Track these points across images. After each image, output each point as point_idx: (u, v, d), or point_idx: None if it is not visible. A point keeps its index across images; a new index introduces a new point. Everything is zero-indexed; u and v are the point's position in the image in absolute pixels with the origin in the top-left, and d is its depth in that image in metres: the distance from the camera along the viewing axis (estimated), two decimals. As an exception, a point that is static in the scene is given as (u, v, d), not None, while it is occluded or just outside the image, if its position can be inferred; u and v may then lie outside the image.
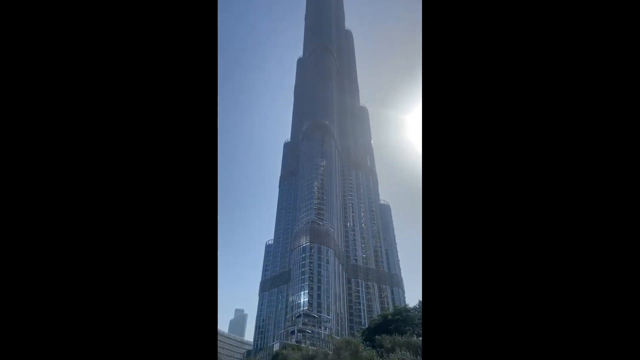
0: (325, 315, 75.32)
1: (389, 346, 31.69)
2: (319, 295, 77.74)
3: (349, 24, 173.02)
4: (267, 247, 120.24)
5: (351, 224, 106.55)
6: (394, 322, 45.36)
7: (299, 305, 77.11)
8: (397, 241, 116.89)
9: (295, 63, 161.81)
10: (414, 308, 51.33)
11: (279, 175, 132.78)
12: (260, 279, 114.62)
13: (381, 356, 30.46)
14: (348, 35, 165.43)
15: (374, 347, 33.94)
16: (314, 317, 73.62)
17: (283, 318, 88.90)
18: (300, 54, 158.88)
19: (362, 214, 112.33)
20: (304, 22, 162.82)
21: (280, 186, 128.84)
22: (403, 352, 28.87)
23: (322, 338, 66.64)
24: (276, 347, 63.93)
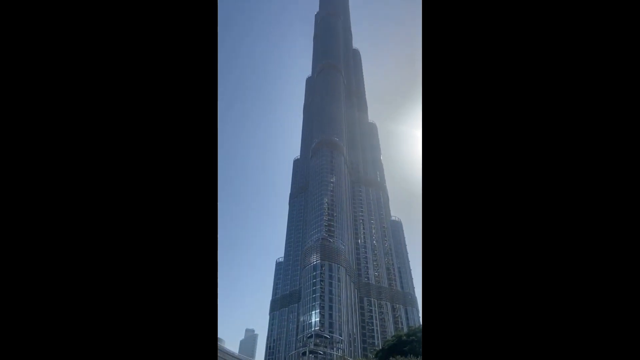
0: (337, 336, 73.21)
1: (403, 369, 30.38)
2: (330, 315, 75.84)
3: (357, 43, 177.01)
4: (278, 264, 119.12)
5: (362, 241, 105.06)
6: (408, 343, 43.75)
7: (310, 325, 75.31)
8: (410, 258, 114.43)
9: (305, 82, 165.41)
10: (429, 328, 49.34)
11: (289, 192, 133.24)
12: (270, 298, 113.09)
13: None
14: (356, 54, 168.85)
15: (388, 369, 32.59)
16: (326, 337, 71.64)
17: (294, 338, 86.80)
18: (309, 73, 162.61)
19: (373, 231, 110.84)
20: (312, 43, 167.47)
21: (290, 203, 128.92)
22: (419, 375, 27.61)
23: (334, 360, 64.51)
24: (287, 369, 62.05)
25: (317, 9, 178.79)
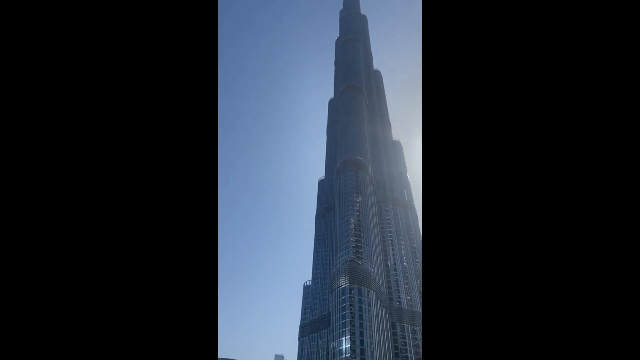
0: (370, 364, 69.78)
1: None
2: (361, 342, 72.85)
3: (377, 64, 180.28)
4: (306, 288, 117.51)
5: (392, 263, 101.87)
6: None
7: (340, 352, 72.59)
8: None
9: (327, 104, 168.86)
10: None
11: (315, 213, 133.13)
12: (299, 323, 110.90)
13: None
14: (377, 75, 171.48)
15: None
16: (358, 366, 68.43)
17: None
18: (331, 96, 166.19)
19: (403, 252, 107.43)
20: (333, 66, 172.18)
21: (316, 224, 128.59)
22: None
23: (368, 391, 61.17)
24: (318, 400, 59.49)
25: (337, 34, 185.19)
